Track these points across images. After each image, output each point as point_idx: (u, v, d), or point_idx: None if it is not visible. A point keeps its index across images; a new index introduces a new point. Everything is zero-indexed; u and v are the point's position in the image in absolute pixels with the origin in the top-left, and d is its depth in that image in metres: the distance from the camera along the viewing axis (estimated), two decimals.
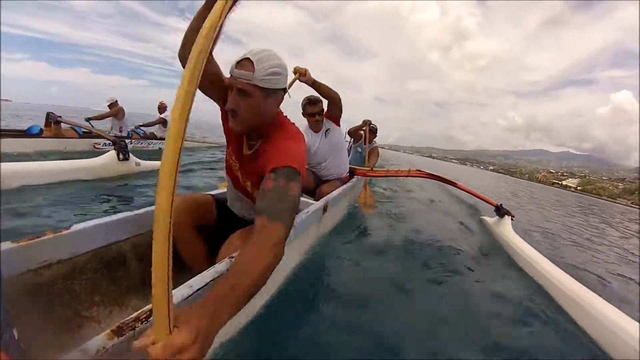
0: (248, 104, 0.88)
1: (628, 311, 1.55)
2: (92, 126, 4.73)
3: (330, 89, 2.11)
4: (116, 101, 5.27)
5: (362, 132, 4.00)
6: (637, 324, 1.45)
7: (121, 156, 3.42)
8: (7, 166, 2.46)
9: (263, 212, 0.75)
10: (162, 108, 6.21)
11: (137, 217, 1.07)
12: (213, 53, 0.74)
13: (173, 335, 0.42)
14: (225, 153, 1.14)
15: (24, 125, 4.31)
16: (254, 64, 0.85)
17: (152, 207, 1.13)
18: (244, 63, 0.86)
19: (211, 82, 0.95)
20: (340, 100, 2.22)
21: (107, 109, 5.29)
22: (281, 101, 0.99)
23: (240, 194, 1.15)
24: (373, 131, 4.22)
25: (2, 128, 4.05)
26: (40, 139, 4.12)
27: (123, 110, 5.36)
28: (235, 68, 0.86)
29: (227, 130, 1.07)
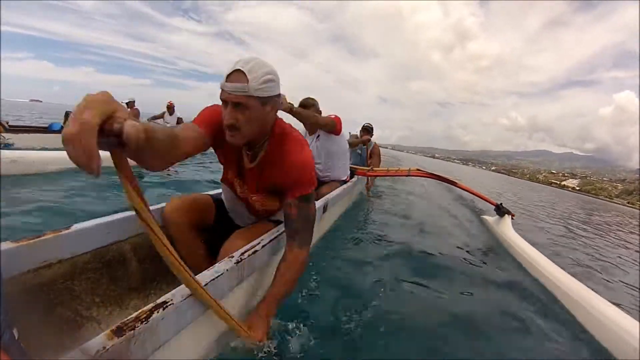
0: (247, 117, 0.84)
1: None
2: None
3: (310, 114, 2.04)
4: (134, 101, 5.43)
5: (357, 135, 4.07)
6: (638, 323, 1.45)
7: None
8: (41, 154, 3.09)
9: (293, 239, 0.98)
10: (170, 108, 6.34)
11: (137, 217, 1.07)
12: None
13: (251, 334, 0.85)
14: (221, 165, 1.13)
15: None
16: (246, 74, 0.80)
17: (153, 208, 1.13)
18: (235, 75, 0.81)
19: (197, 147, 0.87)
20: (324, 122, 2.15)
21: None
22: (278, 108, 0.96)
23: (240, 205, 1.16)
24: (368, 130, 4.13)
25: (27, 125, 4.59)
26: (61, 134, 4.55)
27: (139, 112, 5.56)
28: (227, 82, 0.81)
29: (224, 152, 1.06)
